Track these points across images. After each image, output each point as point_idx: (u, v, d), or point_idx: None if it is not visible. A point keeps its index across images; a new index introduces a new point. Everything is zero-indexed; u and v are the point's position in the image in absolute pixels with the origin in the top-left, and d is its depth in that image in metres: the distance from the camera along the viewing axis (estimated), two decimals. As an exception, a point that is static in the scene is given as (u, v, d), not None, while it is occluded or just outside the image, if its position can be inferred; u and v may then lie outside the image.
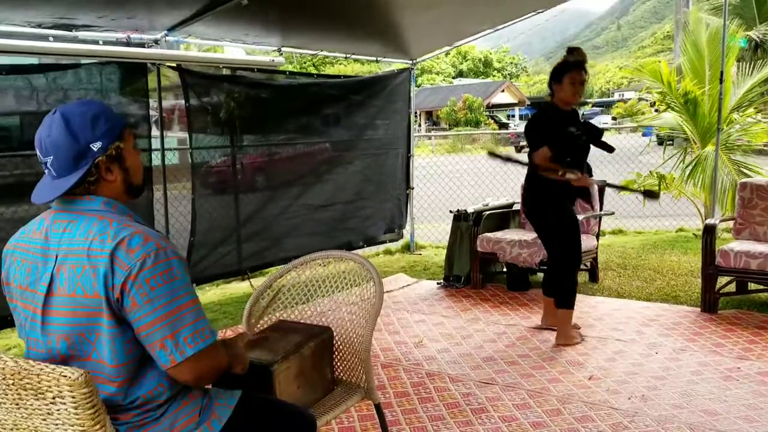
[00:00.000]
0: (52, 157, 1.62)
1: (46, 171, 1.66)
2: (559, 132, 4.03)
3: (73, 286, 1.57)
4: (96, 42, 5.13)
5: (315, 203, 6.48)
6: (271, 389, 2.12)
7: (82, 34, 4.77)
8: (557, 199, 4.21)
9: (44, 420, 1.52)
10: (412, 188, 7.79)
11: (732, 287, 5.00)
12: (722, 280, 4.87)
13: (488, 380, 3.73)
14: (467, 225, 5.91)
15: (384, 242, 7.58)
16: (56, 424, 1.51)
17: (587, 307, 4.99)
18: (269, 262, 6.10)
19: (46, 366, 1.49)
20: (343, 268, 2.65)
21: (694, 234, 7.97)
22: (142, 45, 5.28)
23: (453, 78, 60.59)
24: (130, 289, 1.54)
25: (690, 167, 7.71)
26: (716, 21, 9.04)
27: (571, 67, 4.11)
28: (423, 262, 7.20)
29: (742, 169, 7.55)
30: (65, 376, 1.45)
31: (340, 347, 2.56)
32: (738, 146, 7.70)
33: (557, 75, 4.13)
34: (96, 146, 1.63)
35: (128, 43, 5.16)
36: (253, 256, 5.92)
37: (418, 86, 45.82)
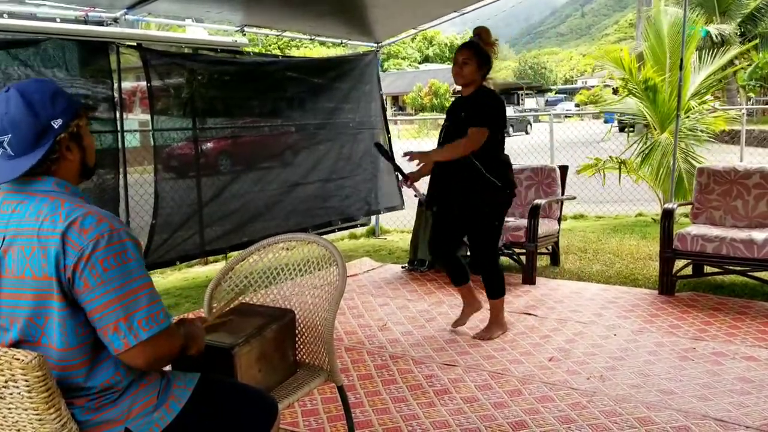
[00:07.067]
0: (9, 135, 1.57)
1: None
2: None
3: (22, 268, 1.53)
4: (53, 20, 4.96)
5: (285, 185, 6.36)
6: (232, 372, 2.10)
7: (39, 10, 4.61)
8: None
9: (-4, 404, 1.49)
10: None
11: (689, 270, 5.12)
12: (679, 263, 4.99)
13: (451, 362, 3.76)
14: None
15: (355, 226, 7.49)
16: (9, 408, 1.48)
17: (548, 290, 5.07)
18: (232, 246, 6.01)
19: (-1, 349, 1.45)
20: (306, 252, 2.63)
21: (652, 219, 8.13)
22: (100, 23, 5.14)
23: (419, 63, 60.51)
24: (82, 270, 1.50)
25: (646, 152, 7.85)
26: (678, 11, 9.19)
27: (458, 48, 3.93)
28: (387, 246, 7.22)
29: (688, 157, 7.71)
30: (18, 359, 1.42)
31: (303, 330, 2.55)
32: (693, 132, 7.84)
33: None
34: (57, 123, 1.60)
35: (86, 21, 5.01)
36: (217, 240, 5.83)
37: (384, 71, 45.60)
